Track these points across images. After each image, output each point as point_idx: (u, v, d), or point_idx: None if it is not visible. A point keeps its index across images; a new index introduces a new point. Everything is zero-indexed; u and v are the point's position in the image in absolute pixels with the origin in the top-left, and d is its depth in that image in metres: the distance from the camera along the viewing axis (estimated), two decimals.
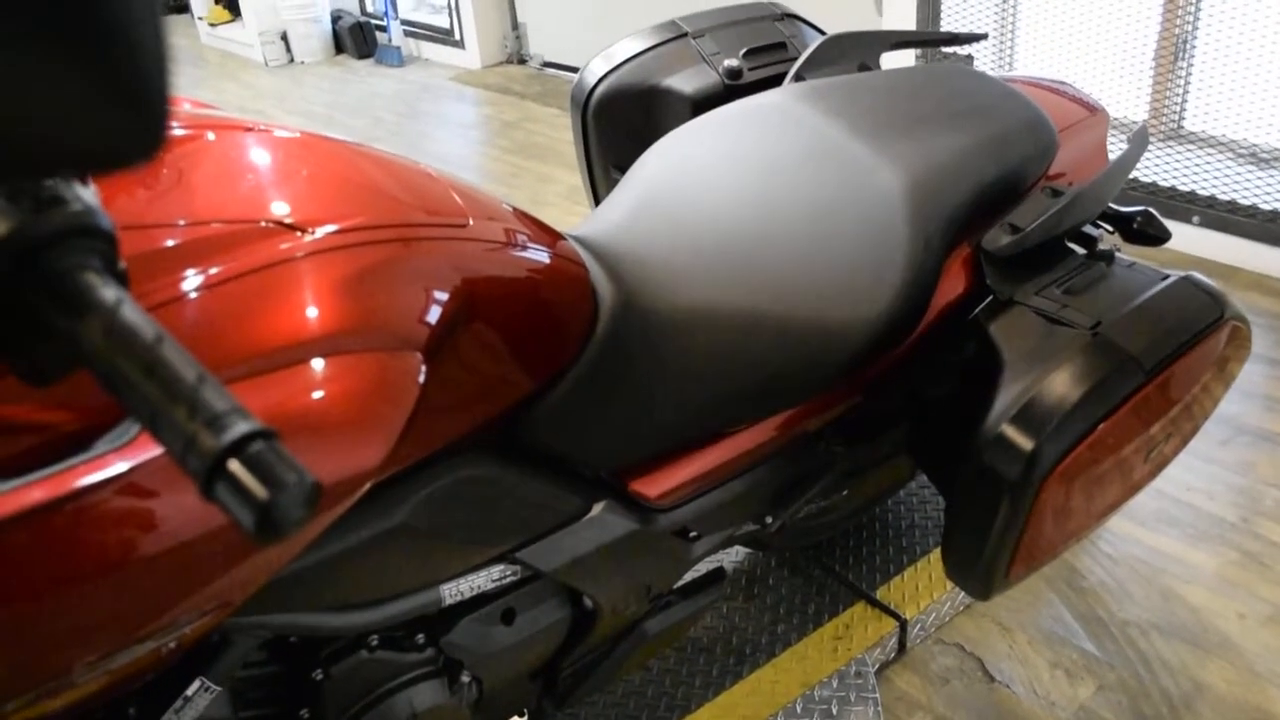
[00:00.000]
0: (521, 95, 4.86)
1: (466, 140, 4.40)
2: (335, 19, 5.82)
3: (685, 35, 1.71)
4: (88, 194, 0.55)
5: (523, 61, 5.35)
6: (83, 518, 0.69)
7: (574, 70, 5.04)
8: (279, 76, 5.57)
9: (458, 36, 5.39)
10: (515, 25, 5.32)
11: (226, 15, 6.21)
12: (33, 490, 0.67)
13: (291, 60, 5.78)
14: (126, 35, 0.48)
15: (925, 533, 1.89)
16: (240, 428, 0.47)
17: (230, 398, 0.48)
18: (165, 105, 0.51)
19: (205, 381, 0.48)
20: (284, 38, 5.74)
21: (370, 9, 5.86)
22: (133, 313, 0.51)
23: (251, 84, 5.48)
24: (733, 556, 1.87)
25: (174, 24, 6.92)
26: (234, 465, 0.46)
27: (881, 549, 1.86)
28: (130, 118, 0.49)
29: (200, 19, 6.34)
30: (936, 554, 1.84)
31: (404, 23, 5.62)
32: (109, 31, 0.47)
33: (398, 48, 5.57)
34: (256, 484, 0.46)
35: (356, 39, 5.70)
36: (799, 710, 1.56)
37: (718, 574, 1.40)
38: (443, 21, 5.44)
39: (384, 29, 5.63)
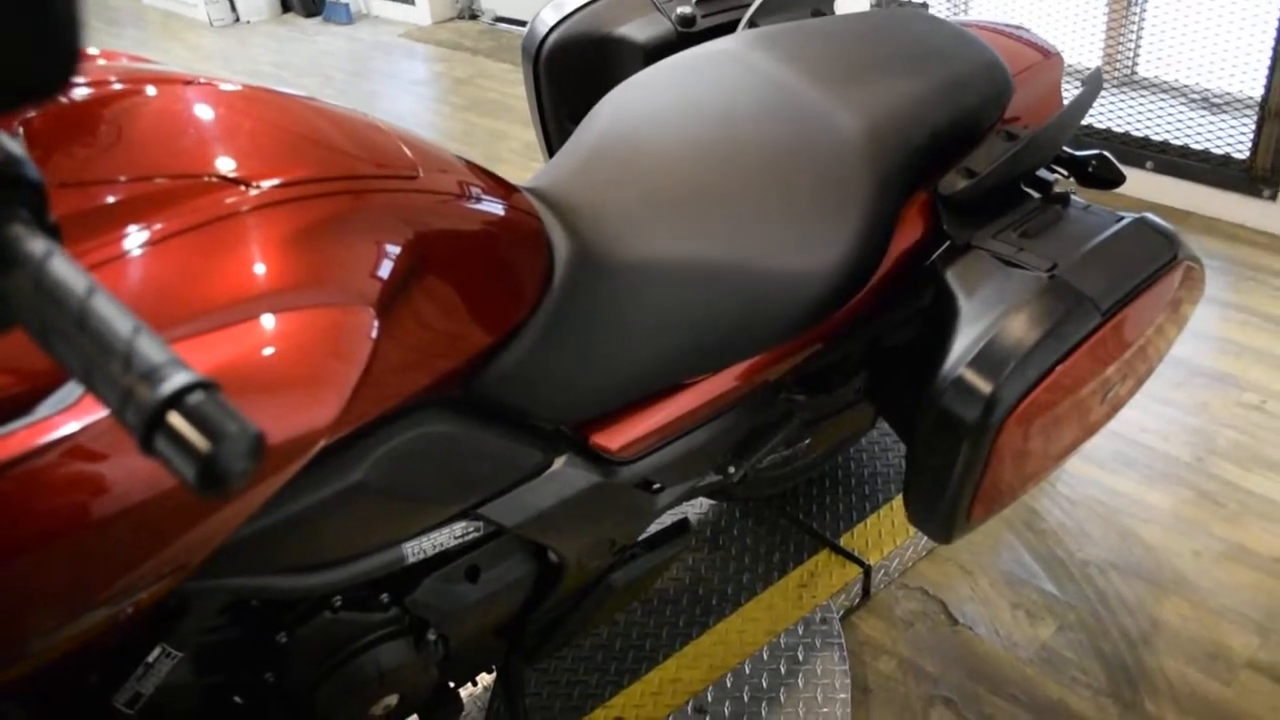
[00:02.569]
0: (473, 51, 4.79)
1: (418, 98, 4.33)
2: None
3: None
4: (12, 144, 0.53)
5: (474, 17, 5.26)
6: (27, 483, 0.67)
7: (526, 24, 4.97)
8: (224, 36, 5.44)
9: None
10: None
11: None
12: None
13: (237, 19, 5.64)
14: None
15: (887, 480, 1.91)
16: (178, 379, 0.45)
17: (168, 349, 0.47)
18: (75, 31, 0.49)
19: (141, 333, 0.46)
20: None
21: None
22: (63, 265, 0.49)
23: (196, 44, 5.35)
24: (697, 508, 1.88)
25: None
26: (173, 418, 0.45)
27: (844, 497, 1.87)
28: (38, 43, 0.47)
29: None
30: (899, 501, 1.85)
31: None
32: None
33: (346, 4, 5.45)
34: (197, 436, 0.44)
35: None
36: (766, 658, 1.57)
37: (682, 525, 1.40)
38: None
39: None
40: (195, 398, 0.45)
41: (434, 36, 5.07)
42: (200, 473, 0.44)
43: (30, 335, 0.50)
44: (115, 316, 0.47)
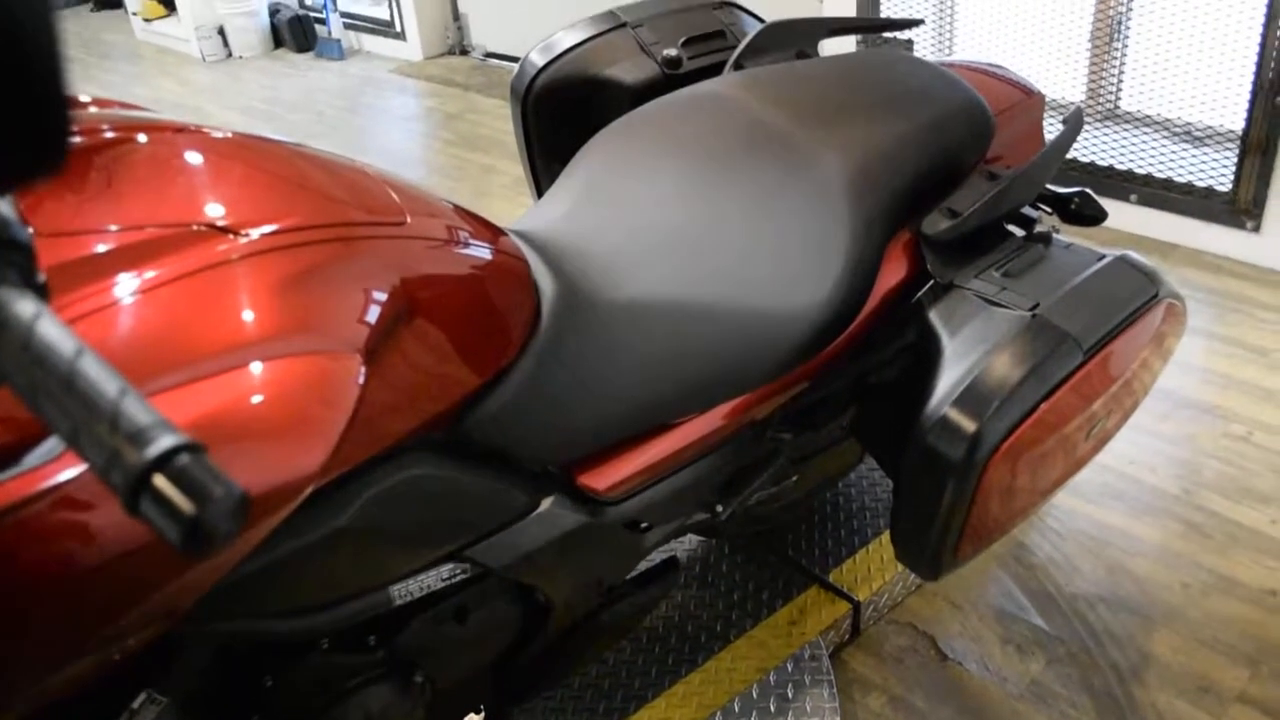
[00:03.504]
0: (464, 87, 4.82)
1: (409, 133, 4.36)
2: (273, 12, 5.73)
3: (624, 25, 1.70)
4: (2, 206, 0.53)
5: (465, 52, 5.30)
6: (14, 533, 0.67)
7: (517, 60, 5.03)
8: (217, 72, 5.47)
9: (398, 28, 5.33)
10: (456, 16, 5.27)
11: (161, 10, 6.09)
12: None
13: (229, 55, 5.68)
14: (19, 41, 0.46)
15: (876, 515, 1.91)
16: (164, 442, 0.46)
17: (154, 411, 0.47)
18: (65, 111, 0.49)
19: (128, 395, 0.47)
20: (221, 32, 5.65)
21: (309, 2, 5.77)
22: (50, 327, 0.49)
23: (189, 80, 5.38)
24: (685, 545, 1.88)
25: (107, 20, 6.78)
26: (159, 480, 0.45)
27: (833, 533, 1.87)
28: (30, 128, 0.48)
29: (134, 14, 6.21)
30: (888, 536, 1.85)
31: (343, 15, 5.54)
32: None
33: (338, 40, 5.50)
34: (182, 499, 0.45)
35: (295, 32, 5.62)
36: (755, 695, 1.57)
37: (671, 564, 1.40)
38: (383, 13, 5.38)
39: (323, 22, 5.55)
40: (181, 460, 0.46)
41: (425, 72, 5.10)
42: (184, 535, 0.45)
43: (17, 395, 0.50)
44: (102, 378, 0.48)
